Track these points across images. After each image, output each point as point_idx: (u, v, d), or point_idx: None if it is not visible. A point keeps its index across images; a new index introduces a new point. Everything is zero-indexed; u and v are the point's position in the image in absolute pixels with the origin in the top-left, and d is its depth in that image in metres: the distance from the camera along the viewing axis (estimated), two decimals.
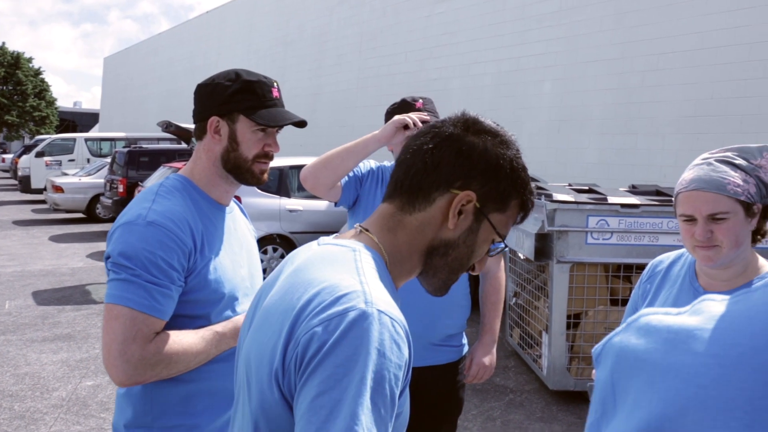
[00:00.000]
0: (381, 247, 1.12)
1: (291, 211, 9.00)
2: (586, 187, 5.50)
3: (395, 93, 15.98)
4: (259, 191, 8.75)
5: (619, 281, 5.05)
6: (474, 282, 2.95)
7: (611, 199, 4.86)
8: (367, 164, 2.67)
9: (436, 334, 2.54)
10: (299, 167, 9.50)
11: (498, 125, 1.19)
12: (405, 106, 2.59)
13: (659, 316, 0.78)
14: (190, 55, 29.51)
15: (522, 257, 5.74)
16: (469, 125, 1.15)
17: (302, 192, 9.37)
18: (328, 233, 8.97)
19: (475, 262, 1.18)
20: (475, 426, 4.55)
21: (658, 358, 0.74)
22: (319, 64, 19.94)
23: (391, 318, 0.96)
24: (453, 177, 1.11)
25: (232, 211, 1.84)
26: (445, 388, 2.61)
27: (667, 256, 1.95)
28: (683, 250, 1.86)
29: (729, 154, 1.68)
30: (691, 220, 1.67)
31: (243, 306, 1.73)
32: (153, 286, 1.53)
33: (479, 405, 4.86)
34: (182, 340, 1.58)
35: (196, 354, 1.59)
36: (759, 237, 1.72)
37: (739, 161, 1.65)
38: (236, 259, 1.75)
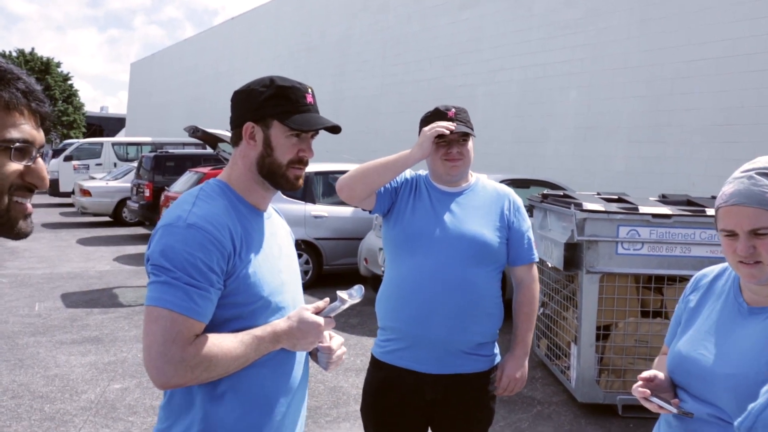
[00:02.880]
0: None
1: (316, 217, 9.02)
2: (615, 197, 5.45)
3: (419, 99, 16.00)
4: (284, 197, 8.78)
5: (650, 293, 4.99)
6: (507, 292, 2.93)
7: (642, 209, 4.80)
8: (403, 174, 2.69)
9: (466, 342, 2.53)
10: (324, 173, 9.53)
11: None
12: (437, 114, 2.60)
13: None
14: (214, 62, 29.74)
15: (550, 266, 5.69)
16: None
17: (327, 198, 9.39)
18: (353, 240, 8.99)
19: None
20: None
21: None
22: (342, 69, 20.00)
23: None
24: None
25: (270, 216, 1.85)
26: (476, 398, 2.59)
27: (712, 270, 1.90)
28: (727, 263, 1.79)
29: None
30: (732, 235, 1.62)
31: (281, 311, 1.73)
32: (192, 288, 1.54)
33: (507, 416, 4.82)
34: (222, 343, 1.57)
35: (235, 358, 1.59)
36: None
37: None
38: (275, 263, 1.76)
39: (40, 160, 1.11)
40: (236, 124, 1.74)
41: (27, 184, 1.09)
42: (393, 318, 2.58)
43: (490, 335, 2.61)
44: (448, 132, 2.45)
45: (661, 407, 1.70)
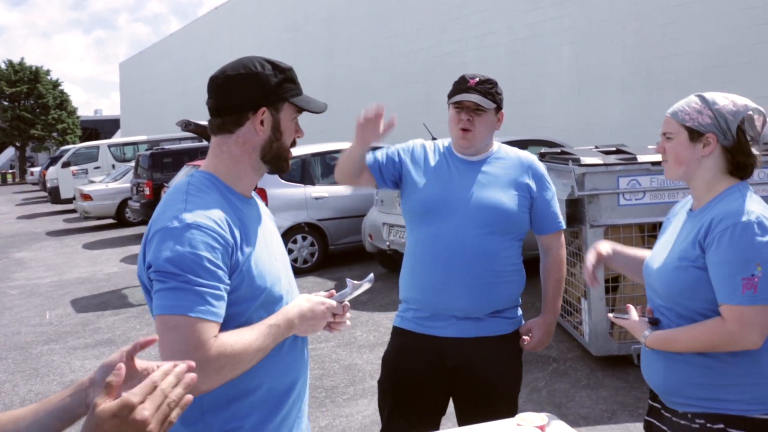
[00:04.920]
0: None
1: (317, 198, 8.98)
2: (614, 148, 5.39)
3: (410, 72, 15.88)
4: (283, 181, 8.74)
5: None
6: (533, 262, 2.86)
7: (641, 158, 4.75)
8: (409, 144, 2.67)
9: (486, 309, 2.49)
10: (321, 154, 9.49)
11: None
12: (460, 81, 2.56)
13: None
14: (202, 53, 29.58)
15: None
16: None
17: (326, 179, 9.35)
18: (356, 217, 8.96)
19: None
20: (521, 398, 4.47)
21: None
22: (331, 48, 19.85)
23: None
24: None
25: (256, 203, 1.80)
26: (499, 360, 2.53)
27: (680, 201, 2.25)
28: None
29: (715, 93, 1.95)
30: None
31: (282, 298, 1.70)
32: (204, 289, 1.47)
33: (523, 376, 4.80)
34: (242, 338, 1.52)
35: (256, 350, 1.55)
36: (741, 172, 1.93)
37: (710, 96, 1.93)
38: (271, 251, 1.72)
39: None
40: (239, 109, 1.64)
41: None
42: (412, 288, 2.56)
43: (512, 301, 2.58)
44: (372, 117, 2.38)
45: (616, 322, 2.11)
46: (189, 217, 1.51)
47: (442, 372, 2.52)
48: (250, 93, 1.63)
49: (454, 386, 2.56)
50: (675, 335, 1.93)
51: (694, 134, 1.92)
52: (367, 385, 4.95)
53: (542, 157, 5.68)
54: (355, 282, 1.82)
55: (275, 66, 1.67)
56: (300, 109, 1.71)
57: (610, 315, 2.12)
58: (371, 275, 1.86)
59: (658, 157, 4.72)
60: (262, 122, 1.65)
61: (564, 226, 2.70)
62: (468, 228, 2.45)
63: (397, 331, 2.64)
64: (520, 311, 2.64)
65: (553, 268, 2.67)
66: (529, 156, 2.68)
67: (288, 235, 8.76)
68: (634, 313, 2.05)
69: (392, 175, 2.61)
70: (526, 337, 2.62)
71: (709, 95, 1.94)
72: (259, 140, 1.66)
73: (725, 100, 1.92)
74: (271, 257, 1.70)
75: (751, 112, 1.92)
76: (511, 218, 2.49)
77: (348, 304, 1.80)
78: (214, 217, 1.54)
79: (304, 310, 1.68)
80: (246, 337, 1.53)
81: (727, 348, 1.85)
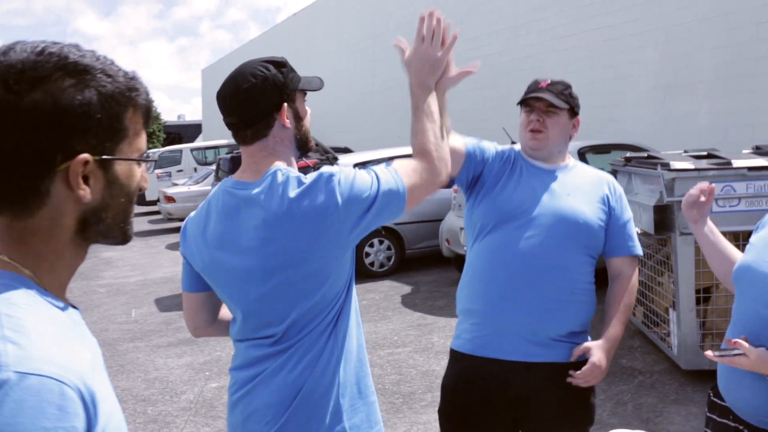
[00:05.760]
0: (19, 266, 0.92)
1: None
2: (705, 153, 5.16)
3: (485, 74, 15.72)
4: None
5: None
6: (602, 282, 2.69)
7: (735, 163, 4.52)
8: (495, 147, 2.48)
9: (555, 330, 2.28)
10: (398, 158, 9.46)
11: (36, 50, 0.91)
12: (532, 84, 2.47)
13: None
14: None
15: (639, 232, 5.45)
16: (11, 80, 0.88)
17: None
18: (433, 221, 8.91)
19: (141, 182, 1.03)
20: (605, 411, 4.35)
21: None
22: None
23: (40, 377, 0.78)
24: (46, 156, 0.90)
25: None
26: (572, 392, 2.27)
27: None
28: None
29: None
30: None
31: None
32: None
33: (607, 389, 4.65)
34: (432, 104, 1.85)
35: (436, 111, 1.88)
36: None
37: None
38: None
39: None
40: (263, 115, 1.71)
41: (141, 188, 1.07)
42: (475, 299, 2.35)
43: (582, 324, 2.35)
44: (471, 70, 2.08)
45: (724, 362, 1.87)
46: (341, 162, 1.69)
47: (508, 400, 2.30)
48: (271, 96, 1.73)
49: (523, 415, 2.33)
50: None
51: None
52: None
53: (628, 161, 5.49)
54: None
55: (275, 63, 1.78)
56: (304, 91, 1.83)
57: (713, 356, 1.85)
58: None
59: (754, 162, 4.50)
60: (286, 117, 1.75)
61: (640, 253, 2.47)
62: (546, 238, 2.26)
63: (455, 356, 2.42)
64: (589, 338, 2.40)
65: (621, 293, 2.41)
66: (607, 175, 2.52)
67: (365, 239, 8.78)
68: (747, 344, 1.81)
69: (473, 171, 2.39)
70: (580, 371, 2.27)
71: None
72: (289, 133, 1.77)
73: None
74: None
75: None
76: (591, 231, 2.32)
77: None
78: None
79: (417, 68, 1.96)
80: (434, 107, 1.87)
81: None
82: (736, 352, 1.82)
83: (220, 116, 1.82)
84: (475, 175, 2.41)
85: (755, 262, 1.91)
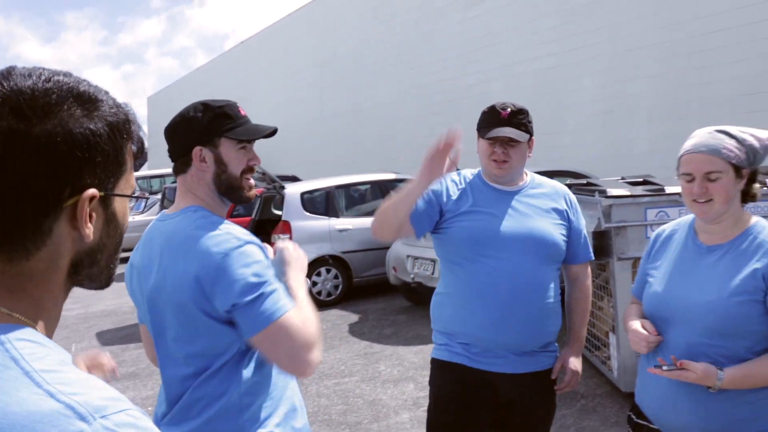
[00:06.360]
0: (21, 317, 0.83)
1: (341, 230, 8.96)
2: (641, 179, 5.30)
3: (437, 102, 15.93)
4: (307, 213, 8.75)
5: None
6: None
7: (669, 189, 4.66)
8: (443, 182, 2.53)
9: (538, 342, 2.51)
10: (346, 186, 9.49)
11: (51, 76, 0.86)
12: (492, 113, 2.49)
13: None
14: (229, 86, 30.03)
15: None
16: (22, 107, 0.81)
17: (350, 211, 9.33)
18: (380, 249, 8.91)
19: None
20: None
21: None
22: (357, 81, 20.00)
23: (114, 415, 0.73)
24: (54, 191, 0.82)
25: None
26: (543, 394, 2.58)
27: (667, 226, 2.26)
28: (680, 219, 2.24)
29: (724, 129, 1.98)
30: (691, 180, 1.97)
31: None
32: (280, 286, 1.67)
33: None
34: (304, 306, 1.71)
35: (313, 312, 1.73)
36: (749, 198, 2.03)
37: (735, 132, 1.96)
38: None
39: None
40: (182, 153, 1.81)
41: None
42: (463, 323, 2.48)
43: (555, 334, 2.59)
44: (445, 145, 2.14)
45: (671, 376, 1.95)
46: (242, 237, 1.68)
47: (494, 405, 2.53)
48: (185, 137, 1.80)
49: (506, 418, 2.58)
50: (752, 370, 1.90)
51: (738, 171, 1.96)
52: (392, 422, 4.86)
53: (568, 188, 5.61)
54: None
55: (207, 107, 1.80)
56: (239, 140, 1.82)
57: (663, 370, 1.96)
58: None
59: None
60: (203, 159, 1.79)
61: (593, 258, 2.69)
62: (524, 259, 2.42)
63: (445, 366, 2.54)
64: (557, 344, 2.66)
65: (581, 298, 2.69)
66: (562, 185, 2.68)
67: (312, 267, 8.73)
68: (693, 364, 1.92)
69: (430, 218, 2.49)
70: (559, 376, 2.64)
71: (732, 130, 1.98)
72: (207, 176, 1.80)
73: (745, 134, 1.98)
74: None
75: None
76: (559, 247, 2.51)
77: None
78: (246, 233, 1.73)
79: (294, 266, 1.84)
80: (304, 304, 1.72)
81: None
82: (673, 367, 1.95)
83: (165, 145, 1.86)
84: (434, 221, 2.53)
85: (674, 292, 2.09)
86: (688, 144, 2.01)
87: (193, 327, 1.68)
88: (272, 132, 1.87)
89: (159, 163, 36.70)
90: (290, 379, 1.84)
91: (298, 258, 1.85)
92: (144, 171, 32.69)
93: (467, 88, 14.80)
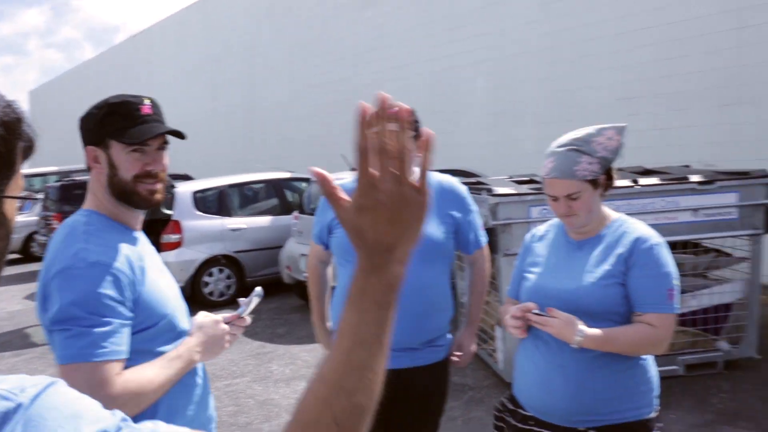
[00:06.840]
0: None
1: (234, 230, 8.81)
2: (527, 178, 5.49)
3: (330, 101, 15.91)
4: (198, 213, 8.54)
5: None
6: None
7: None
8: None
9: (419, 340, 2.55)
10: (238, 185, 9.34)
11: None
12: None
13: None
14: (118, 82, 28.88)
15: None
16: None
17: (244, 210, 9.19)
18: (274, 248, 8.82)
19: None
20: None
21: None
22: (251, 79, 19.71)
23: None
24: None
25: (142, 235, 1.82)
26: (432, 387, 2.63)
27: (539, 228, 2.45)
28: (552, 221, 2.40)
29: (576, 143, 2.14)
30: (556, 199, 2.17)
31: (184, 324, 1.73)
32: (106, 328, 1.49)
33: None
34: (144, 374, 1.55)
35: (160, 385, 1.57)
36: (607, 190, 2.21)
37: (585, 148, 2.13)
38: (167, 281, 1.75)
39: None
40: (85, 148, 1.73)
41: None
42: None
43: (443, 329, 2.64)
44: None
45: (538, 320, 2.10)
46: (92, 256, 1.53)
47: (411, 399, 2.56)
48: (84, 133, 1.71)
49: (390, 415, 2.54)
50: (615, 334, 2.06)
51: (595, 183, 2.15)
52: (283, 421, 4.82)
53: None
54: (244, 299, 1.89)
55: (105, 103, 1.69)
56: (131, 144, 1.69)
57: (531, 315, 2.12)
58: (258, 289, 1.92)
59: None
60: (96, 160, 1.70)
61: (487, 240, 2.80)
62: (412, 266, 2.44)
63: None
64: (449, 336, 2.70)
65: (477, 281, 2.78)
66: (449, 180, 2.69)
67: (204, 267, 8.54)
68: (558, 311, 2.08)
69: (326, 234, 2.70)
70: (456, 355, 2.73)
71: (584, 146, 2.13)
72: (103, 178, 1.70)
73: (595, 143, 2.13)
74: (167, 287, 1.72)
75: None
76: (440, 247, 2.56)
77: (246, 317, 1.87)
78: (115, 253, 1.57)
79: (202, 338, 1.71)
80: (148, 373, 1.56)
81: (649, 351, 2.12)
82: (547, 315, 2.10)
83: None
84: (327, 237, 2.72)
85: (546, 282, 2.26)
86: (547, 166, 2.18)
87: (50, 338, 1.59)
88: (172, 133, 1.72)
89: (41, 162, 34.88)
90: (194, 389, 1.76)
91: (205, 330, 1.74)
92: (23, 169, 31.00)
93: (360, 88, 14.87)
